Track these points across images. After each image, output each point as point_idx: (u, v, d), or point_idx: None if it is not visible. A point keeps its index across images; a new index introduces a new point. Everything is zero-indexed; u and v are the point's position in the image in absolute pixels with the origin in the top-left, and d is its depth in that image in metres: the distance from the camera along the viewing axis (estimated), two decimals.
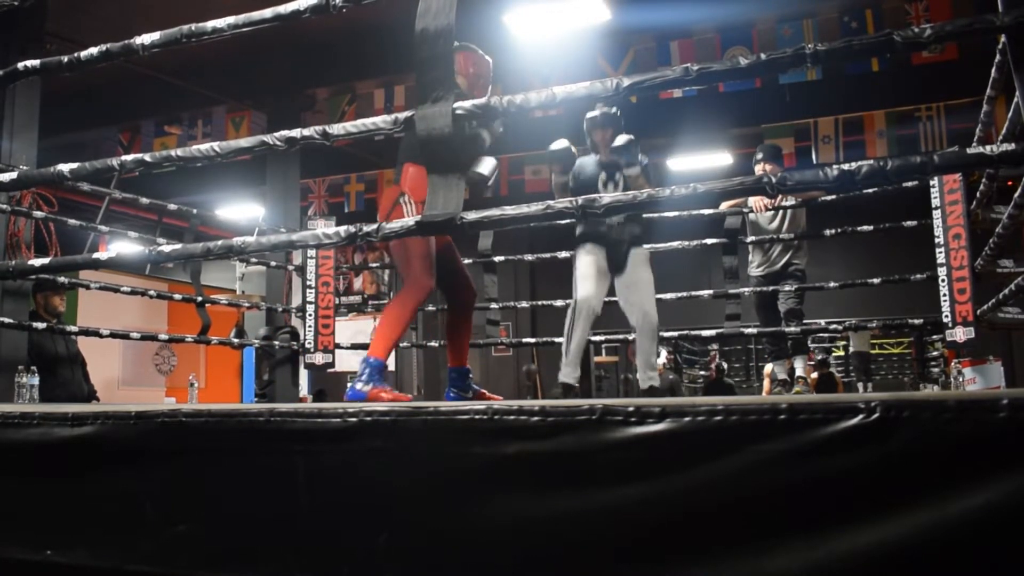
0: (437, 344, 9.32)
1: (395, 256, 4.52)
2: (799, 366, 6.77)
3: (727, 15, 8.96)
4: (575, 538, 1.74)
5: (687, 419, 1.68)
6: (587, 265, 5.63)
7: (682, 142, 11.77)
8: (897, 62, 9.38)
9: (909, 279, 6.81)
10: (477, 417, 1.86)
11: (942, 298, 5.99)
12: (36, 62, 3.45)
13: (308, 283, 7.82)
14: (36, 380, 6.01)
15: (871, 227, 6.88)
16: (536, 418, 1.80)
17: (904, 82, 9.85)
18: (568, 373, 5.53)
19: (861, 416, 1.57)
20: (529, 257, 8.08)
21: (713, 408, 1.66)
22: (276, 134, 2.95)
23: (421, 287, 4.38)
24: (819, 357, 13.23)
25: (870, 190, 6.54)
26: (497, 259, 7.76)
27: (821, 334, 12.26)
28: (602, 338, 9.57)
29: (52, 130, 7.45)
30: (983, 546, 1.49)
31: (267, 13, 3.01)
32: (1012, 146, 2.18)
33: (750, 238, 7.05)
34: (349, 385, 4.40)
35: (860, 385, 14.78)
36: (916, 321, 7.00)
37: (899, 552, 1.52)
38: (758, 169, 6.95)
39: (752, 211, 6.94)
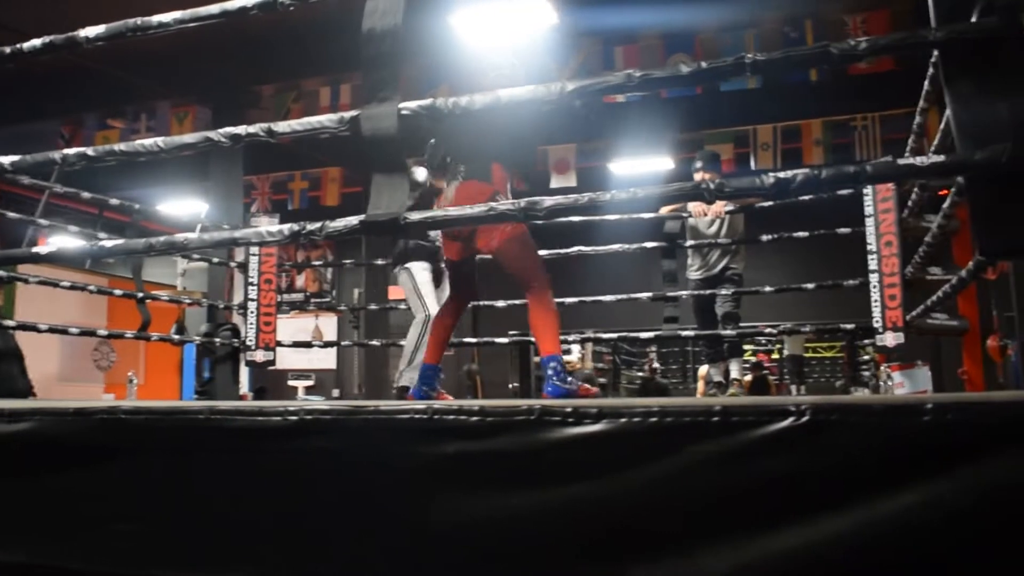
0: (379, 343, 9.30)
1: (510, 256, 4.43)
2: (734, 369, 6.85)
3: (672, 22, 9.05)
4: (515, 538, 1.75)
5: (623, 420, 1.70)
6: (428, 283, 5.93)
7: (624, 146, 11.84)
8: (834, 72, 9.53)
9: (842, 285, 6.91)
10: (417, 417, 1.86)
11: (873, 304, 6.09)
12: None
13: (250, 280, 7.74)
14: None
15: (807, 233, 6.98)
16: (475, 418, 1.81)
17: (841, 92, 10.01)
18: (411, 378, 5.56)
19: (791, 419, 1.60)
20: (423, 315, 8.06)
21: (649, 409, 1.68)
22: (221, 131, 2.91)
23: (547, 279, 4.43)
24: (754, 360, 13.41)
25: (806, 197, 6.63)
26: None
27: (758, 337, 12.42)
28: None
29: None
30: (909, 547, 1.53)
31: (214, 9, 2.98)
32: (942, 158, 2.23)
33: (689, 242, 7.11)
34: (550, 385, 4.32)
35: (793, 388, 15.00)
36: (848, 326, 7.12)
37: (827, 553, 1.55)
38: (697, 176, 7.01)
39: (692, 216, 7.00)
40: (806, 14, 9.02)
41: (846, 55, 2.33)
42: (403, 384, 5.70)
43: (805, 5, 8.87)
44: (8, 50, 3.31)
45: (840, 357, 16.65)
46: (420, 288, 5.84)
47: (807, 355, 16.78)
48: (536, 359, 15.41)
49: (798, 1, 8.62)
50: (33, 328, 6.30)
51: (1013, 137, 2.04)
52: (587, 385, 4.50)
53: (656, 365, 15.17)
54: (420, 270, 5.91)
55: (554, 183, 11.55)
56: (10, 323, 6.46)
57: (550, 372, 4.33)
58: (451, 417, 1.83)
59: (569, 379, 4.35)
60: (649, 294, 7.37)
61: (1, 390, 6.51)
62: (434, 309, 5.59)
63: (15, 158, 3.27)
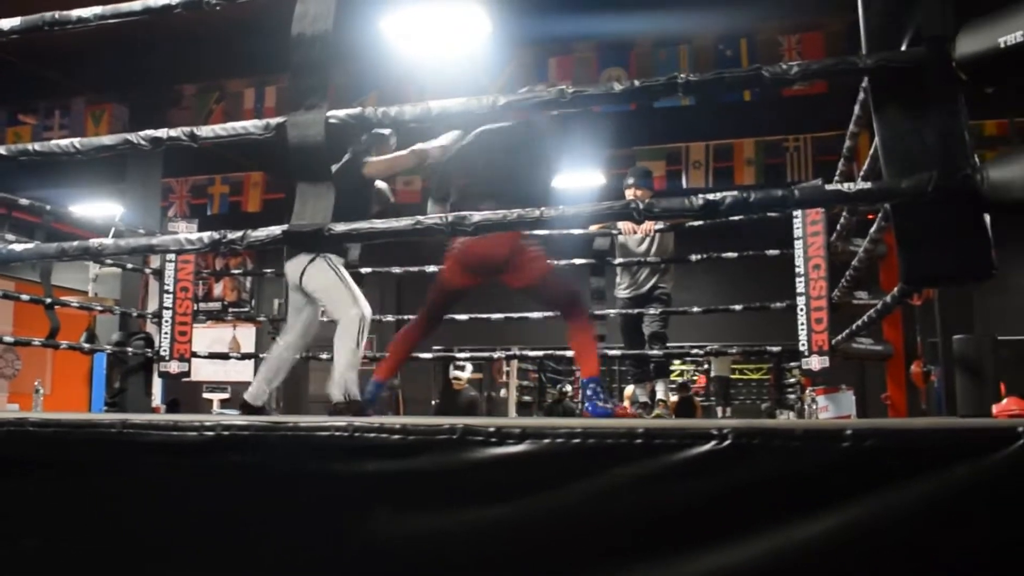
0: (298, 356, 9.21)
1: (554, 288, 4.92)
2: (660, 389, 6.91)
3: (606, 34, 9.13)
4: (434, 559, 1.76)
5: (546, 441, 1.72)
6: (351, 280, 5.39)
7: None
8: (768, 94, 9.68)
9: (770, 307, 7.02)
10: (337, 434, 1.87)
11: (800, 327, 6.20)
12: None
13: (166, 288, 7.67)
14: None
15: (735, 254, 7.07)
16: (397, 436, 1.82)
17: (774, 112, 10.16)
18: (351, 383, 5.20)
19: (714, 442, 1.64)
20: (396, 270, 8.06)
21: (571, 431, 1.71)
22: (141, 133, 2.89)
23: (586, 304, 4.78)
24: (680, 380, 13.52)
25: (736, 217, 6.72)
26: (364, 271, 7.72)
27: (685, 358, 12.54)
28: (466, 355, 9.60)
29: None
30: (828, 570, 1.57)
31: (136, 6, 2.95)
32: (869, 185, 2.30)
33: (618, 260, 7.17)
34: (591, 404, 4.71)
35: (719, 410, 15.16)
36: (774, 348, 7.23)
37: None
38: (629, 193, 7.07)
39: (621, 233, 7.07)
40: (741, 32, 9.16)
41: (778, 79, 2.39)
42: (350, 395, 5.17)
43: (740, 23, 9.00)
44: None
45: (767, 380, 16.88)
46: (348, 281, 5.26)
47: (734, 376, 16.98)
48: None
49: (733, 19, 8.73)
50: None
51: (939, 165, 2.10)
52: (624, 405, 4.76)
53: (568, 388, 15.23)
54: (341, 265, 5.37)
55: None
56: None
57: (590, 392, 4.67)
58: (372, 435, 1.84)
59: (609, 400, 4.59)
60: None
61: None
62: (368, 310, 5.21)
63: None
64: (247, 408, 5.33)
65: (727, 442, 1.63)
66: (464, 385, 11.71)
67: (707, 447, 1.63)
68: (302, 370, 12.26)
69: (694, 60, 9.19)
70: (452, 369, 11.66)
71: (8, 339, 7.08)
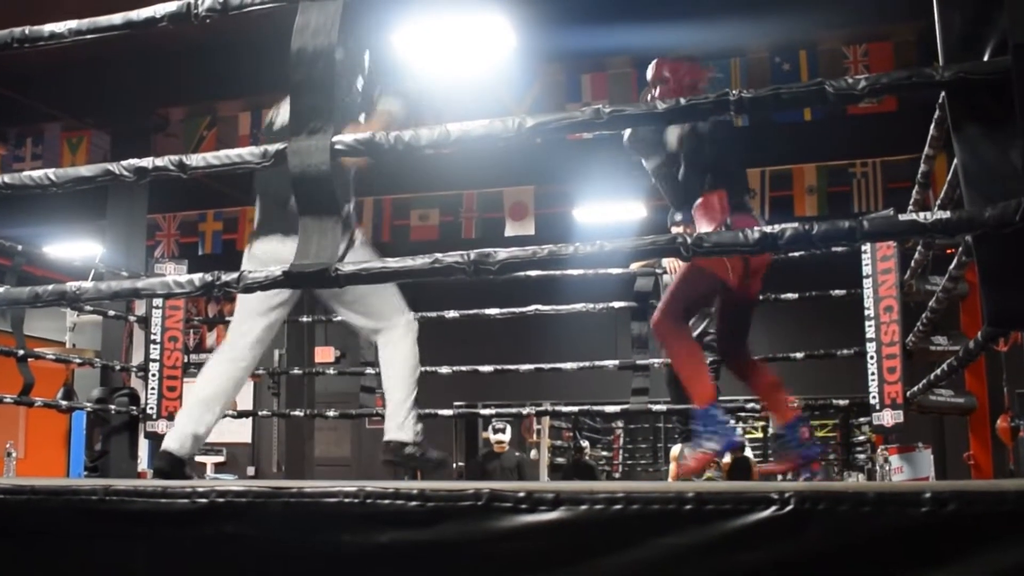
0: (302, 414, 9.24)
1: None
2: None
3: (645, 47, 9.14)
4: None
5: (584, 507, 1.72)
6: None
7: (591, 190, 11.87)
8: (832, 112, 9.66)
9: (835, 354, 6.97)
10: (347, 500, 1.87)
11: (870, 377, 6.16)
12: None
13: (152, 337, 7.71)
14: None
15: (796, 295, 7.05)
16: (414, 503, 1.82)
17: (838, 134, 10.14)
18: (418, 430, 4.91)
19: (774, 508, 1.63)
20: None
21: (612, 496, 1.71)
22: (124, 163, 2.89)
23: None
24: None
25: (797, 253, 6.70)
26: None
27: (739, 413, 12.44)
28: (492, 411, 9.59)
29: None
30: None
31: (116, 19, 2.96)
32: (948, 214, 2.28)
33: None
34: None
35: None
36: (841, 402, 7.18)
37: None
38: (675, 228, 7.07)
39: (666, 272, 7.05)
40: (800, 43, 9.16)
41: (843, 94, 2.38)
42: (419, 434, 4.82)
43: (798, 32, 9.00)
44: None
45: (832, 437, 16.75)
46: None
47: None
48: (485, 435, 15.42)
49: (790, 28, 8.73)
50: None
51: None
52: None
53: (584, 443, 15.18)
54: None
55: (509, 231, 11.58)
56: None
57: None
58: (387, 501, 1.84)
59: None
60: (616, 362, 7.39)
61: None
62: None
63: None
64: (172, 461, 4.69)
65: (789, 507, 1.62)
66: (506, 448, 11.78)
67: (766, 513, 1.63)
68: (306, 429, 12.28)
69: (747, 75, 9.20)
70: (491, 432, 11.74)
71: None
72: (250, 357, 4.88)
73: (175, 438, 4.72)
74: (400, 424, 4.74)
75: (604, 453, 17.39)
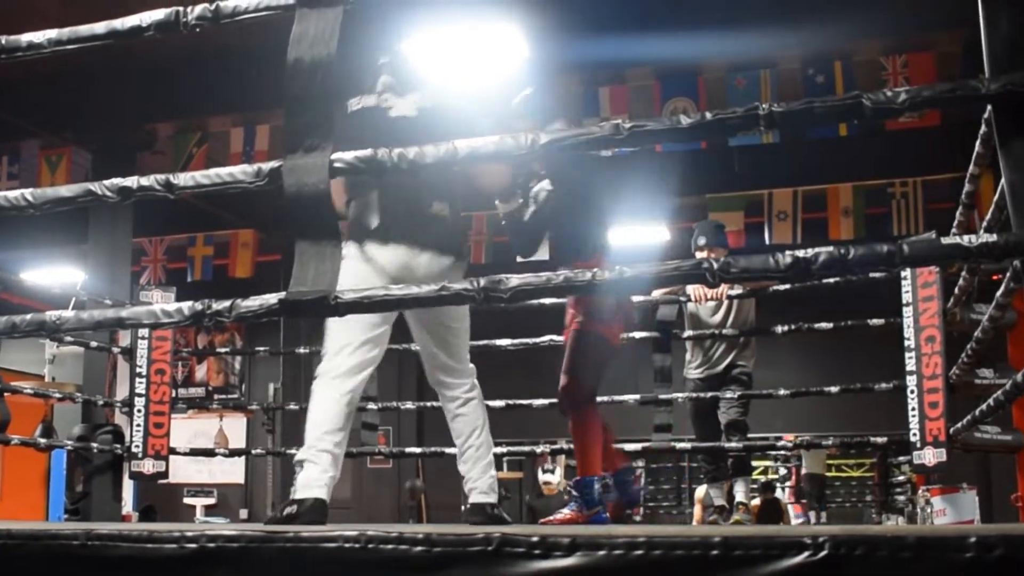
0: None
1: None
2: (740, 490, 6.85)
3: (669, 58, 9.16)
4: None
5: (601, 553, 1.72)
6: None
7: (611, 211, 11.87)
8: (869, 127, 9.66)
9: (873, 388, 6.95)
10: (347, 546, 1.87)
11: (910, 412, 6.13)
12: None
13: (138, 370, 7.68)
14: None
15: (831, 324, 7.03)
16: (419, 548, 1.82)
17: (876, 151, 10.14)
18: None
19: (807, 553, 1.63)
20: (415, 347, 8.04)
21: (633, 540, 1.71)
22: (106, 182, 2.88)
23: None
24: (763, 479, 13.44)
25: (831, 279, 6.69)
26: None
27: (769, 451, 12.44)
28: (503, 450, 9.56)
29: None
30: None
31: (99, 28, 2.95)
32: (994, 237, 2.28)
33: (687, 333, 7.14)
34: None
35: (812, 515, 15.00)
36: (879, 439, 7.16)
37: None
38: (700, 253, 7.07)
39: (691, 300, 7.05)
40: (834, 54, 9.17)
41: (882, 108, 2.38)
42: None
43: (833, 42, 9.00)
44: None
45: (870, 477, 16.72)
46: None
47: (830, 474, 16.82)
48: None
49: (824, 37, 8.73)
50: None
51: None
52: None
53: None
54: None
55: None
56: None
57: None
58: (391, 546, 1.84)
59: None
60: (637, 396, 7.38)
61: None
62: None
63: None
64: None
65: (823, 553, 1.62)
66: (555, 490, 11.80)
67: (798, 559, 1.63)
68: None
69: (777, 88, 9.21)
70: (540, 473, 11.78)
71: None
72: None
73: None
74: (491, 486, 4.82)
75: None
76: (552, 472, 11.93)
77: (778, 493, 14.58)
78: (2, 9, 6.72)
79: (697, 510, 11.20)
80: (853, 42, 9.05)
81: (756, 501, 11.35)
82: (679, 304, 7.15)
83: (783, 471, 16.36)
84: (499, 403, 7.39)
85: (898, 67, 9.15)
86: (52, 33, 3.01)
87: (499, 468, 13.27)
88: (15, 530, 2.11)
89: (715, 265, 2.45)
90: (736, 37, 8.62)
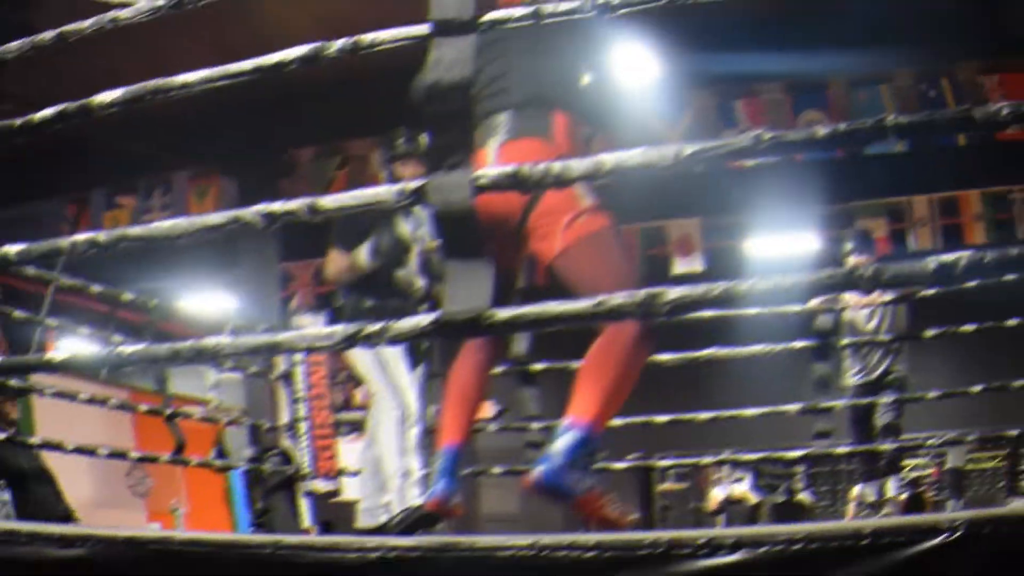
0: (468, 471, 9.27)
1: (576, 270, 3.82)
2: (892, 487, 6.82)
3: (793, 74, 9.17)
4: None
5: (763, 548, 1.79)
6: None
7: (758, 221, 11.77)
8: (983, 137, 9.57)
9: (1008, 387, 6.85)
10: (521, 553, 1.95)
11: None
12: None
13: (296, 396, 7.73)
14: (7, 495, 6.10)
15: (974, 326, 6.91)
16: (591, 553, 1.90)
17: (991, 159, 10.00)
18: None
19: (945, 535, 1.72)
20: (577, 364, 7.96)
21: (792, 536, 1.78)
22: (253, 208, 2.88)
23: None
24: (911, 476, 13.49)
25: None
26: (537, 366, 7.66)
27: (919, 450, 12.30)
28: (669, 462, 9.54)
29: None
30: None
31: (246, 65, 3.01)
32: None
33: (846, 340, 7.08)
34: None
35: (950, 503, 14.85)
36: (1012, 432, 7.06)
37: None
38: (851, 260, 7.05)
39: (846, 308, 6.99)
40: (941, 71, 9.17)
41: (989, 121, 2.39)
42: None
43: (939, 62, 9.01)
44: (19, 122, 3.45)
45: (1002, 467, 16.50)
46: None
47: (968, 467, 16.66)
48: (663, 487, 15.43)
49: (928, 56, 8.72)
50: (58, 447, 6.40)
51: None
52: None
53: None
54: None
55: (678, 267, 11.55)
56: (35, 440, 6.62)
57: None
58: (563, 552, 1.92)
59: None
60: (798, 405, 7.32)
61: (40, 515, 6.63)
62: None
63: (20, 247, 3.20)
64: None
65: (958, 534, 1.73)
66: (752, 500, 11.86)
67: (937, 541, 1.74)
68: (472, 485, 12.30)
69: (896, 101, 9.21)
70: (731, 484, 11.80)
71: (135, 455, 7.37)
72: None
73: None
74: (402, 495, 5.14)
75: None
76: (741, 481, 11.93)
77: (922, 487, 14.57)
78: (256, 30, 6.93)
79: (851, 508, 11.18)
80: (955, 63, 9.07)
81: (904, 496, 11.29)
82: (835, 312, 7.09)
83: (926, 467, 16.26)
84: (664, 418, 7.38)
85: (994, 85, 9.12)
86: (204, 73, 3.06)
87: (663, 480, 13.28)
88: (211, 539, 2.26)
89: (868, 272, 2.46)
90: (854, 54, 8.64)
